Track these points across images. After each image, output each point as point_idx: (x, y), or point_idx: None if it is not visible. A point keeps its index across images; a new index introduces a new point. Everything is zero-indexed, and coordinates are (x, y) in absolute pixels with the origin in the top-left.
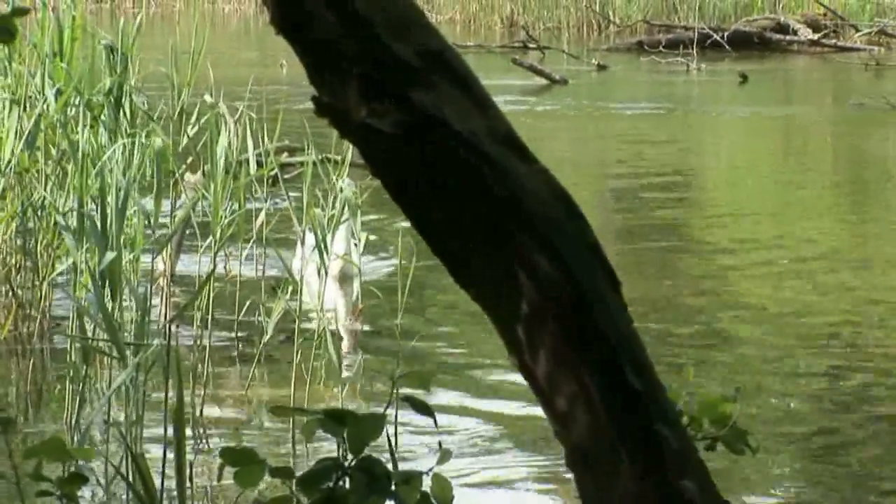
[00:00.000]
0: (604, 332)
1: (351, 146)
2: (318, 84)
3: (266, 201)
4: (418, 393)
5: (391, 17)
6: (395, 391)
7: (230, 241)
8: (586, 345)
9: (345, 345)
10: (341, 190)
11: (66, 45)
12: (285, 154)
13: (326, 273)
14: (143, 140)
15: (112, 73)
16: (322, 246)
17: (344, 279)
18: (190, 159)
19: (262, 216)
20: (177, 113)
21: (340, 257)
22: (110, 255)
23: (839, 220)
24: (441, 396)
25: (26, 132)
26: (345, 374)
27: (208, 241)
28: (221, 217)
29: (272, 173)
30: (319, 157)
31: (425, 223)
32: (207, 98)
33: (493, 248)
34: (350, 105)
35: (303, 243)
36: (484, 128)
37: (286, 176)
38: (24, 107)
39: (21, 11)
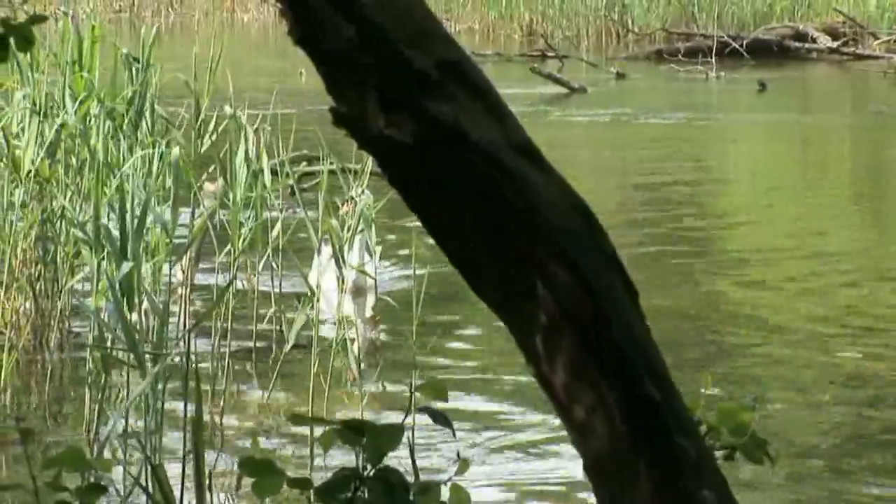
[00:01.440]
0: (621, 343)
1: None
2: (336, 94)
3: (284, 211)
4: (436, 403)
5: (408, 27)
6: (412, 401)
7: (249, 250)
8: (604, 355)
9: (363, 354)
10: (351, 199)
11: (87, 54)
12: (304, 163)
13: (343, 283)
14: (163, 149)
15: (132, 82)
16: (339, 256)
17: (358, 290)
18: (213, 167)
19: (278, 226)
20: (197, 122)
21: (356, 268)
22: (128, 265)
23: (858, 230)
24: (459, 406)
25: (44, 142)
26: (363, 383)
27: (226, 249)
28: (240, 226)
29: (291, 182)
30: (339, 166)
31: (443, 233)
32: (227, 109)
33: (511, 259)
34: (368, 116)
35: (319, 253)
36: (501, 138)
37: (305, 186)
38: (45, 116)
39: (39, 19)
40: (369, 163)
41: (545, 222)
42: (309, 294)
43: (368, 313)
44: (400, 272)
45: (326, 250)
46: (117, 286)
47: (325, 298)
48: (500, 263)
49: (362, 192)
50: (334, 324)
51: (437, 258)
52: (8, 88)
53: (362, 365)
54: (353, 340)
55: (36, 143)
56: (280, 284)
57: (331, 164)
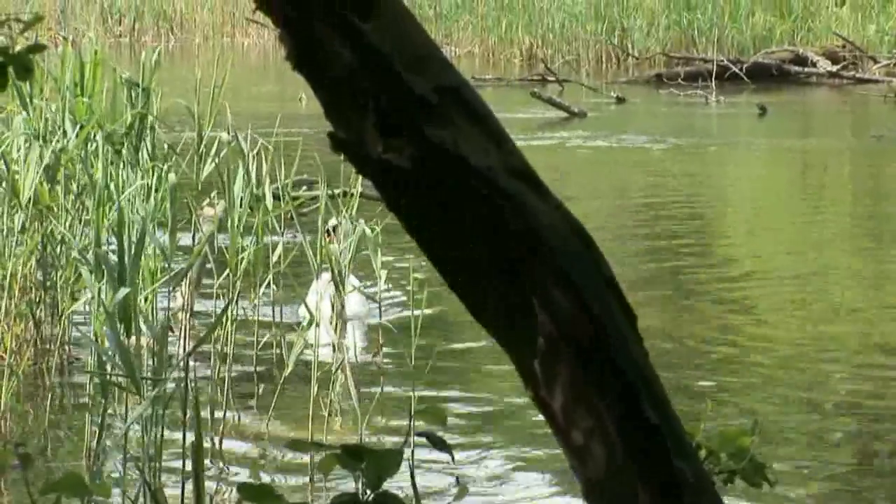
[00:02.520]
0: (620, 367)
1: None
2: (334, 119)
3: (283, 235)
4: (436, 428)
5: (407, 52)
6: (412, 426)
7: (248, 275)
8: (602, 379)
9: (361, 380)
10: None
11: (88, 79)
12: (304, 188)
13: (343, 308)
14: (163, 174)
15: (133, 107)
16: (337, 282)
17: (354, 317)
18: (214, 193)
19: (279, 250)
20: (199, 147)
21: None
22: (125, 291)
23: (858, 253)
24: (459, 431)
25: (44, 166)
26: (363, 409)
27: (224, 273)
28: (239, 251)
29: (290, 209)
30: (341, 190)
31: (441, 258)
32: (224, 136)
33: (509, 283)
34: (366, 140)
35: (318, 279)
36: (500, 163)
37: (305, 210)
38: (45, 141)
39: (37, 48)
40: (358, 188)
41: (543, 246)
42: (308, 319)
43: (363, 341)
44: (399, 296)
45: (325, 276)
46: (114, 311)
47: (322, 324)
48: (498, 287)
49: (343, 221)
50: (333, 349)
51: (437, 280)
52: (9, 113)
53: (361, 389)
54: (353, 366)
55: (35, 168)
56: (280, 310)
57: (330, 190)
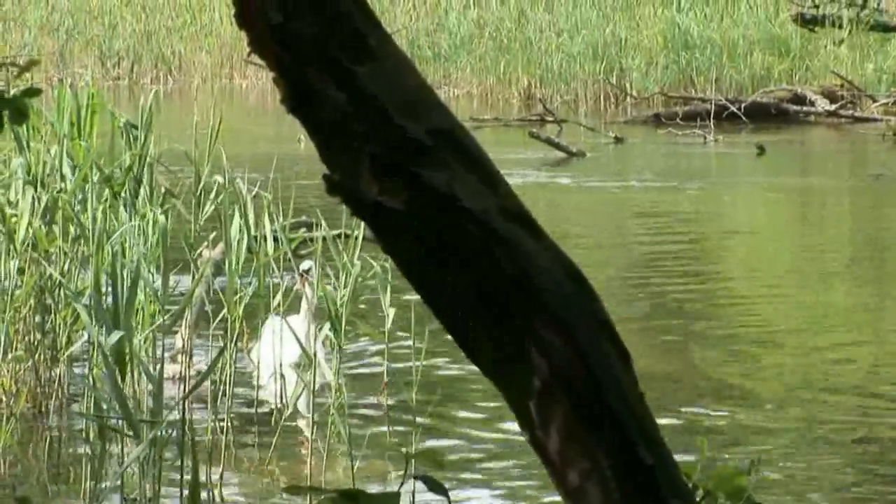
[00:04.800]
0: (615, 408)
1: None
2: (329, 162)
3: (282, 278)
4: (433, 471)
5: (400, 95)
6: (408, 469)
7: (249, 316)
8: (597, 421)
9: (361, 421)
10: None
11: (85, 122)
12: (302, 230)
13: (340, 350)
14: (155, 218)
15: (131, 149)
16: (336, 325)
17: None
18: (213, 235)
19: (280, 293)
20: (197, 189)
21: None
22: (118, 335)
23: (857, 292)
24: (456, 474)
25: (42, 211)
26: (359, 451)
27: (221, 315)
28: (237, 293)
29: (288, 250)
30: (337, 232)
31: (436, 300)
32: (219, 178)
33: (504, 326)
34: (361, 183)
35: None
36: (495, 205)
37: (303, 252)
38: (42, 185)
39: (32, 92)
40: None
41: (538, 288)
42: (306, 361)
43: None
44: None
45: (276, 320)
46: (110, 354)
47: (321, 365)
48: (494, 329)
49: (309, 269)
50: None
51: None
52: (6, 154)
53: (360, 430)
54: (350, 406)
55: (31, 212)
56: (281, 349)
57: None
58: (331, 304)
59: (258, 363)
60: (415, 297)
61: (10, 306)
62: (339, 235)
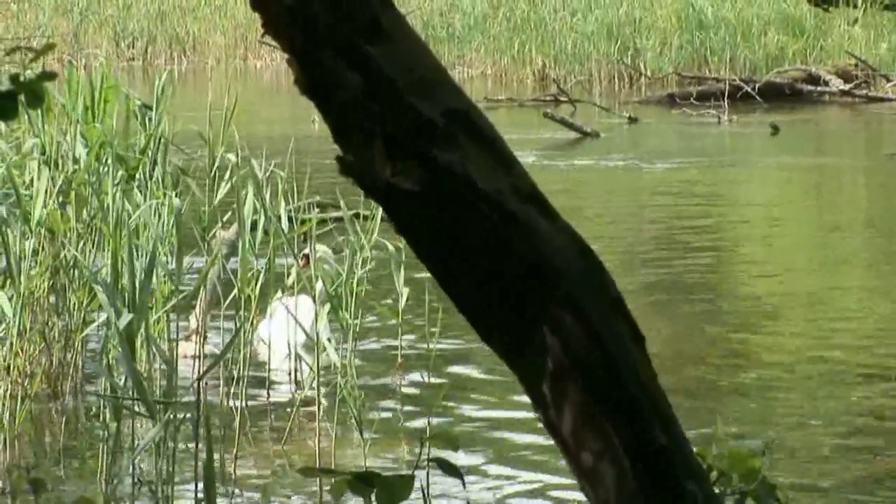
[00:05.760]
0: (628, 388)
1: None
2: (343, 143)
3: (296, 258)
4: (447, 453)
5: (415, 77)
6: (423, 451)
7: (262, 297)
8: (611, 401)
9: (376, 403)
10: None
11: (99, 104)
12: (317, 210)
13: (352, 330)
14: (176, 198)
15: (145, 130)
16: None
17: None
18: (227, 216)
19: (293, 274)
20: (211, 170)
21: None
22: (130, 315)
23: (873, 273)
24: (470, 456)
25: (56, 191)
26: (375, 432)
27: (232, 295)
28: (250, 274)
29: (303, 230)
30: (353, 213)
31: (449, 281)
32: (231, 157)
33: (518, 306)
34: (375, 164)
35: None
36: (508, 186)
37: (318, 232)
38: (56, 166)
39: (48, 76)
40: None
41: (552, 269)
42: (317, 343)
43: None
44: (413, 321)
45: (287, 302)
46: (125, 335)
47: (275, 348)
48: (507, 310)
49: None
50: (341, 375)
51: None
52: (21, 135)
53: (374, 413)
54: (365, 388)
55: (46, 192)
56: (295, 331)
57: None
58: (328, 285)
59: (268, 342)
60: (428, 276)
61: (26, 287)
62: (355, 216)
